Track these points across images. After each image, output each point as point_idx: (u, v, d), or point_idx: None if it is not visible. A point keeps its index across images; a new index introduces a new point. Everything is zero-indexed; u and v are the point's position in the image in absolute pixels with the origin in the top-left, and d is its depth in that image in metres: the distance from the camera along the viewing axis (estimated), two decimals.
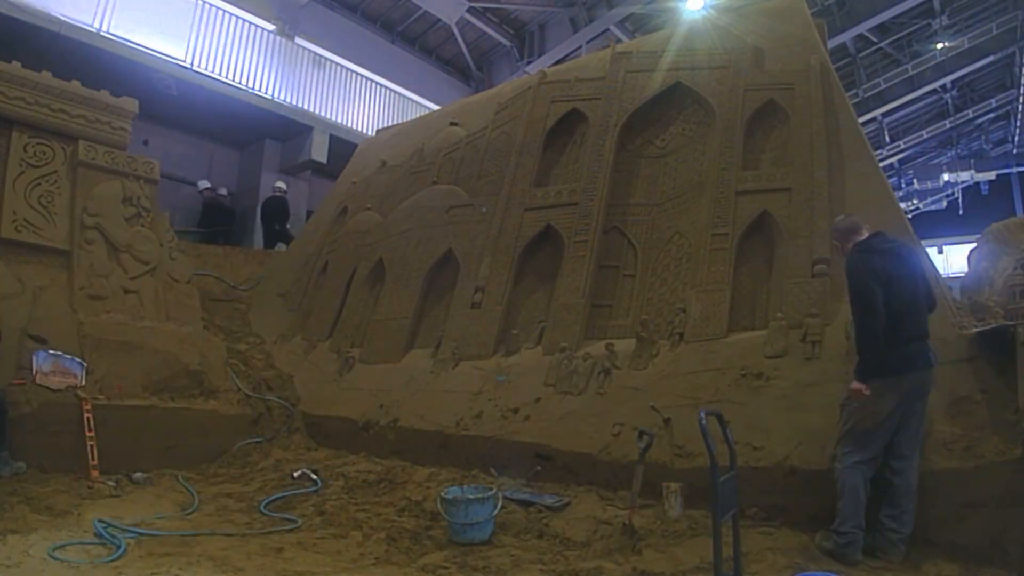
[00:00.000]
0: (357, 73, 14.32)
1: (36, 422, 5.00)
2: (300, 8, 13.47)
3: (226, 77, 11.58)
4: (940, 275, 4.67)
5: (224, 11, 11.91)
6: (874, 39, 17.58)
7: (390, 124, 12.31)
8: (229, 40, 11.81)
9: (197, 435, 5.85)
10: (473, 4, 15.25)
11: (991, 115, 22.94)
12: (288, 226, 11.76)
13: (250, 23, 12.33)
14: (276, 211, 11.65)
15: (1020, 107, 20.83)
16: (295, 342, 7.83)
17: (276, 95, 12.31)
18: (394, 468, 5.33)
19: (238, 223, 12.31)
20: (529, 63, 16.23)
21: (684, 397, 4.51)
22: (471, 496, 4.07)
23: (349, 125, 13.60)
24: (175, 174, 11.66)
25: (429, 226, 7.29)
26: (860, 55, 18.40)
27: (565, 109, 6.99)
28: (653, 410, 4.42)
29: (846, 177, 4.97)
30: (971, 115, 22.15)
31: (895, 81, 18.71)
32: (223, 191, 12.21)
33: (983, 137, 24.55)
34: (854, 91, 18.06)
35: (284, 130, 12.52)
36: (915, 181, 24.86)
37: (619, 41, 9.86)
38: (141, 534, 3.91)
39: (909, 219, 5.33)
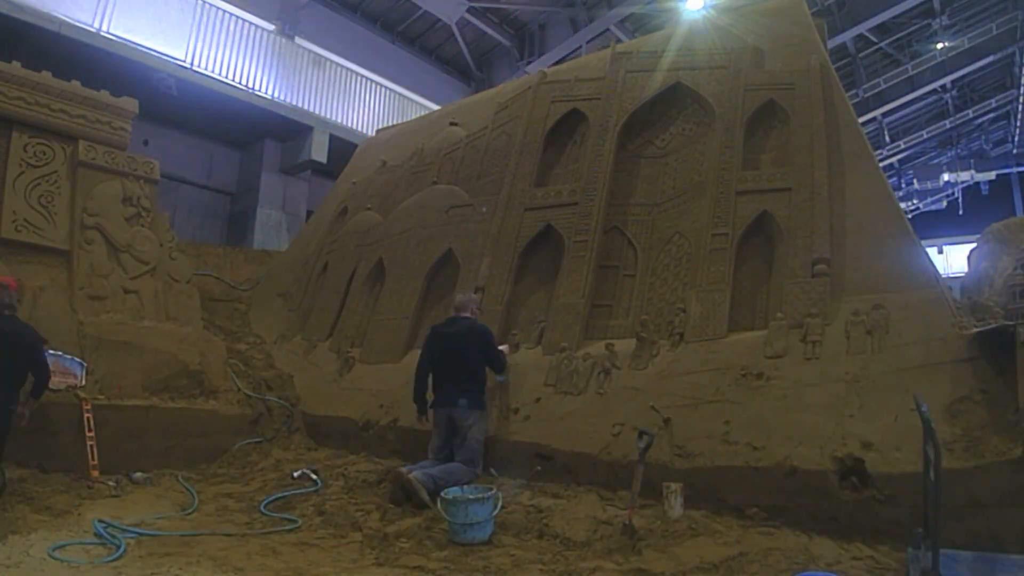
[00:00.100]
0: (357, 73, 14.33)
1: (36, 422, 5.00)
2: (300, 8, 13.48)
3: (226, 77, 11.58)
4: (940, 275, 4.66)
5: (224, 11, 11.92)
6: (874, 39, 17.57)
7: (390, 124, 12.30)
8: (229, 40, 11.82)
9: (197, 435, 5.85)
10: (473, 4, 15.25)
11: (991, 115, 22.93)
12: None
13: (250, 23, 12.33)
14: None
15: (1020, 107, 20.83)
16: (295, 342, 7.83)
17: (276, 95, 12.32)
18: (394, 468, 5.32)
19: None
20: (529, 63, 16.22)
21: (684, 397, 4.51)
22: (471, 496, 4.07)
23: (349, 125, 13.60)
24: (175, 174, 11.67)
25: (429, 226, 7.29)
26: (860, 55, 18.39)
27: (565, 109, 6.99)
28: (653, 410, 4.42)
29: (846, 177, 4.97)
30: (971, 115, 22.15)
31: (895, 81, 18.71)
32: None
33: (983, 137, 24.54)
34: (854, 91, 18.06)
35: (284, 130, 12.52)
36: (915, 181, 24.87)
37: (619, 41, 9.84)
38: (141, 534, 3.92)
39: (909, 219, 5.33)
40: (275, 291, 8.98)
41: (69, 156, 6.38)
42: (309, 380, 7.03)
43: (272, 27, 12.93)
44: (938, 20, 16.78)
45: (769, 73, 5.85)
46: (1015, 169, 24.56)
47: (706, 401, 4.38)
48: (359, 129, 13.68)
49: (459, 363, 5.12)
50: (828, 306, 4.44)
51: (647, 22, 15.26)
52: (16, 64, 6.22)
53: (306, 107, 12.80)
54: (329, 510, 4.52)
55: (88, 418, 5.15)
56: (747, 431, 4.07)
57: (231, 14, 12.01)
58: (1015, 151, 24.06)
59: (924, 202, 25.86)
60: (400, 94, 15.27)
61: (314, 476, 5.29)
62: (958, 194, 25.07)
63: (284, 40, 12.94)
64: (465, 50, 17.15)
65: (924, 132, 23.27)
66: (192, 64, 11.08)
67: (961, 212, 24.88)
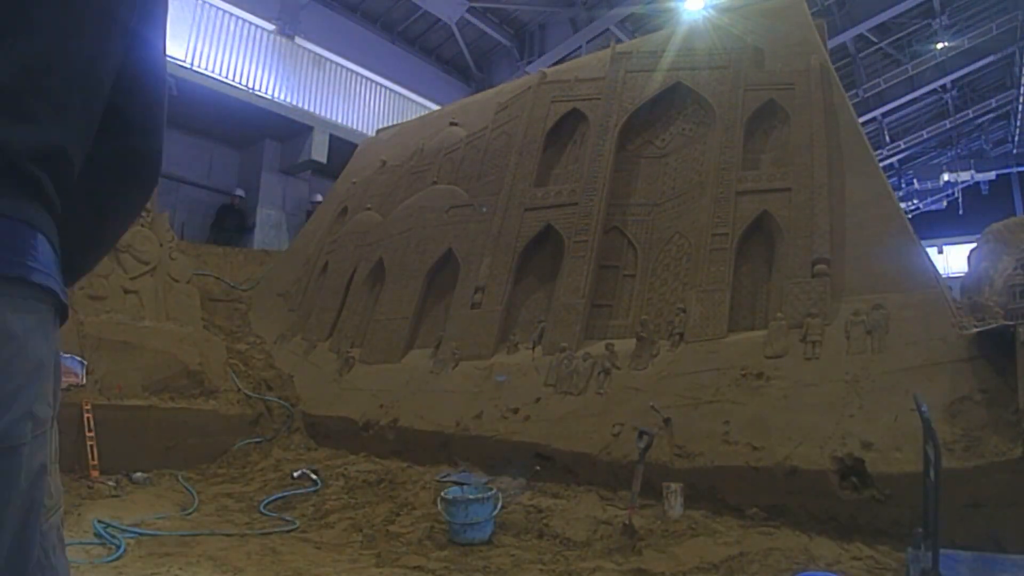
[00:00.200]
0: (357, 73, 14.32)
1: None
2: (300, 8, 13.47)
3: (226, 77, 11.57)
4: (940, 275, 4.67)
5: (224, 11, 11.91)
6: (874, 39, 17.57)
7: (390, 124, 12.30)
8: (229, 40, 11.82)
9: (197, 435, 5.85)
10: (473, 4, 15.24)
11: (991, 115, 22.92)
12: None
13: (250, 23, 12.33)
14: (230, 217, 11.78)
15: (1020, 107, 20.82)
16: (295, 342, 7.83)
17: (276, 95, 12.31)
18: (394, 468, 5.33)
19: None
20: (529, 63, 16.20)
21: (684, 397, 4.51)
22: (471, 496, 4.07)
23: (349, 125, 13.60)
24: (175, 174, 11.66)
25: (429, 226, 7.29)
26: (860, 55, 18.38)
27: (565, 109, 6.99)
28: (653, 410, 4.42)
29: (846, 177, 4.97)
30: (971, 115, 22.13)
31: (895, 81, 18.70)
32: (239, 192, 12.26)
33: (983, 137, 24.54)
34: (854, 91, 18.04)
35: (284, 130, 12.51)
36: (915, 181, 24.86)
37: (619, 41, 9.84)
38: (141, 534, 3.92)
39: (909, 219, 5.32)
40: (275, 291, 8.98)
41: None
42: (309, 380, 7.03)
43: (272, 27, 12.92)
44: (938, 20, 16.77)
45: (769, 73, 5.85)
46: (1015, 169, 24.54)
47: (706, 401, 4.38)
48: (359, 129, 13.67)
49: None
50: (828, 306, 4.45)
51: (647, 22, 15.25)
52: None
53: (306, 107, 12.80)
54: (329, 510, 4.53)
55: (88, 418, 5.15)
56: (747, 431, 4.07)
57: (231, 14, 12.00)
58: (1015, 151, 24.04)
59: (924, 202, 25.85)
60: (400, 94, 15.27)
61: (314, 476, 5.29)
62: (958, 194, 25.06)
63: (284, 40, 12.93)
64: (465, 50, 17.14)
65: (924, 132, 23.25)
66: (192, 64, 11.08)
67: (961, 212, 24.86)
